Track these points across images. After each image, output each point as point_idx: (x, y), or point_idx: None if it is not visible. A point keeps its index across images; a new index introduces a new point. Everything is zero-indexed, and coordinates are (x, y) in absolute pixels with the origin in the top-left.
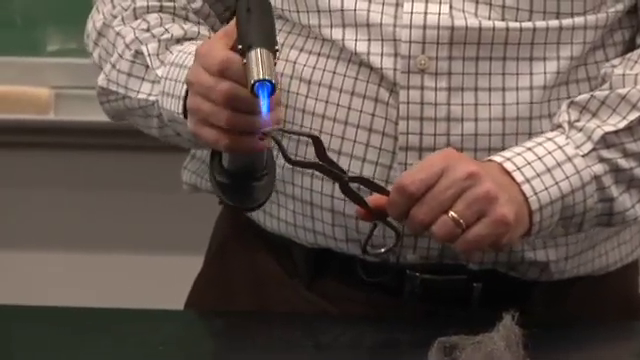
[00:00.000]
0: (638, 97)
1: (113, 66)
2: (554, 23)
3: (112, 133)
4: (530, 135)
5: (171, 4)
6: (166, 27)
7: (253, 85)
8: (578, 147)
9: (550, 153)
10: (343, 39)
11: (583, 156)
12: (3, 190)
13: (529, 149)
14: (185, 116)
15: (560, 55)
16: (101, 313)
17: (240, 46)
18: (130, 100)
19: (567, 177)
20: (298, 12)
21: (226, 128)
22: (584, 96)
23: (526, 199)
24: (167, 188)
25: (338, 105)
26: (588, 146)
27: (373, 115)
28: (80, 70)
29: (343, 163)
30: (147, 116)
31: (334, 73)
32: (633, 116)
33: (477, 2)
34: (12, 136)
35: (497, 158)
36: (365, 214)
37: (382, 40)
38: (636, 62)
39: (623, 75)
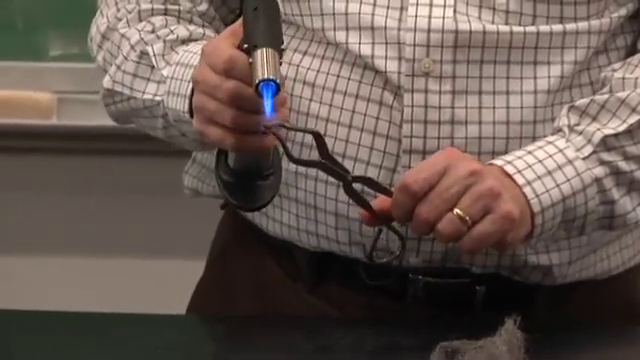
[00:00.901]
0: (638, 101)
1: (118, 67)
2: (558, 28)
3: (114, 138)
4: (534, 139)
5: (176, 7)
6: (171, 28)
7: (258, 84)
8: (578, 150)
9: (551, 156)
10: (347, 42)
11: (583, 159)
12: (5, 194)
13: (529, 152)
14: (191, 115)
15: (564, 59)
16: (102, 318)
17: (246, 45)
18: (135, 101)
19: (568, 179)
20: (302, 16)
21: (231, 127)
22: (584, 100)
23: (528, 201)
24: (168, 192)
25: (342, 108)
26: (588, 149)
27: (377, 118)
28: (82, 75)
29: (347, 166)
30: (152, 116)
31: (338, 76)
32: (633, 119)
33: (481, 6)
34: (14, 141)
35: (498, 161)
36: (369, 218)
37: (386, 43)
38: (636, 66)
39: (623, 79)
